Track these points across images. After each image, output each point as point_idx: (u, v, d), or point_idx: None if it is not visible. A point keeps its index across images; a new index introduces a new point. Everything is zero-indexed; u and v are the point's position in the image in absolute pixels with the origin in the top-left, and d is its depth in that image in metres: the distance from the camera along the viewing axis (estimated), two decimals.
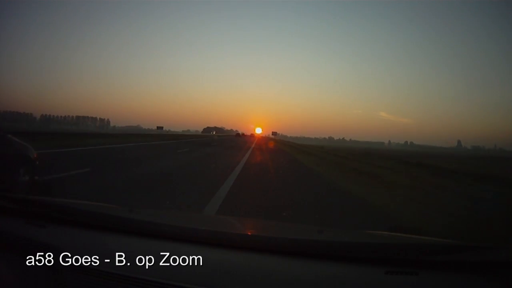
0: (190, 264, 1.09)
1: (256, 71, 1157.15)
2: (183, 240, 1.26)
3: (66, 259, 1.08)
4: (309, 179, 9.95)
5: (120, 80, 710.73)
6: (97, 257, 1.11)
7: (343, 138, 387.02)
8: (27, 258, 1.11)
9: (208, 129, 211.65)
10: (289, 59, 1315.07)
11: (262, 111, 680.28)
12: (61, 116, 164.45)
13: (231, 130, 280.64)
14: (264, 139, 75.11)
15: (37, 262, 1.10)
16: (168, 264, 1.09)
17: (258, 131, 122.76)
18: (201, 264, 1.10)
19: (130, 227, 1.34)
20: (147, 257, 1.12)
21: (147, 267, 1.06)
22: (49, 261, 1.09)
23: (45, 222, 1.36)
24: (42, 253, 1.12)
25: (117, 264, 1.07)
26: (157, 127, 71.77)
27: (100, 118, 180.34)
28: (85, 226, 1.35)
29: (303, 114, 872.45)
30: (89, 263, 1.07)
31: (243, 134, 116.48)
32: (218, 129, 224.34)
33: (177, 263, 1.11)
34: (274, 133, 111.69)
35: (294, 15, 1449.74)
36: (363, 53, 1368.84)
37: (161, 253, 1.16)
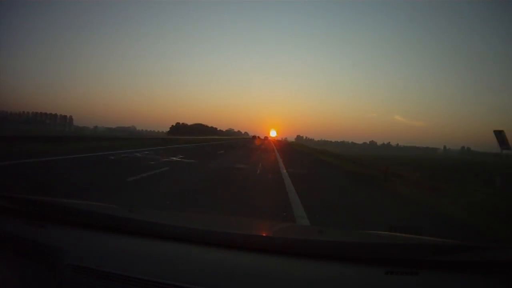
0: (190, 264, 1.10)
1: (270, 75, 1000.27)
2: (183, 240, 1.25)
3: (66, 259, 1.08)
4: None
5: (118, 79, 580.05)
6: (97, 257, 1.12)
7: (389, 143, 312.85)
8: (27, 258, 1.13)
9: (178, 128, 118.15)
10: (305, 63, 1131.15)
11: (279, 114, 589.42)
12: (14, 113, 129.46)
13: (239, 131, 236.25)
14: (280, 146, 51.69)
15: (37, 262, 1.10)
16: (168, 264, 1.10)
17: (273, 134, 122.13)
18: (201, 264, 1.10)
19: (130, 227, 1.33)
20: (147, 257, 1.13)
21: (147, 267, 1.06)
22: (49, 261, 1.09)
23: (45, 222, 1.36)
24: (42, 253, 1.13)
25: (117, 264, 1.08)
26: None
27: (60, 115, 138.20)
28: (85, 226, 1.35)
29: (335, 118, 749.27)
30: (89, 263, 1.06)
31: (258, 137, 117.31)
32: (212, 130, 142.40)
33: (177, 263, 1.12)
34: None
35: (310, 19, 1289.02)
36: (380, 55, 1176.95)
37: (162, 253, 1.17)
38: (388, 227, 1.67)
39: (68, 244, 1.18)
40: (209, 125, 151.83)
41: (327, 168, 16.85)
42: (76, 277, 1.02)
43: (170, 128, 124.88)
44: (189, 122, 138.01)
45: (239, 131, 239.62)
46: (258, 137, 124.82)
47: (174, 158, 13.74)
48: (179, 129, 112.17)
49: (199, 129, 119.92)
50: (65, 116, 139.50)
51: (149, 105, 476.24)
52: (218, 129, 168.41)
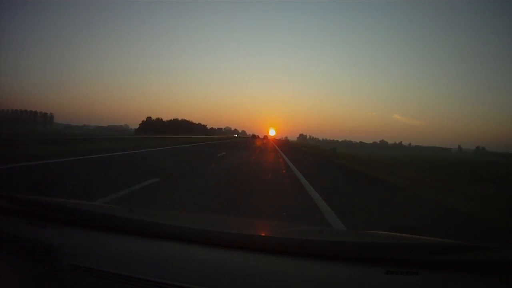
0: (190, 264, 1.11)
1: (269, 73, 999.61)
2: (183, 240, 1.26)
3: (66, 259, 1.09)
4: None
5: (104, 74, 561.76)
6: (97, 257, 1.12)
7: (401, 143, 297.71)
8: (27, 258, 1.13)
9: (148, 124, 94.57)
10: (305, 61, 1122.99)
11: (279, 113, 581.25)
12: None
13: (235, 130, 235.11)
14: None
15: (37, 262, 1.11)
16: (168, 264, 1.11)
17: (272, 133, 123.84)
18: (201, 264, 1.10)
19: (130, 227, 1.33)
20: (147, 257, 1.14)
21: (147, 267, 1.06)
22: (49, 261, 1.10)
23: (45, 222, 1.37)
24: (42, 253, 1.13)
25: (117, 264, 1.08)
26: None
27: (40, 113, 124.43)
28: (85, 226, 1.36)
29: (338, 117, 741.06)
30: (89, 263, 1.07)
31: (257, 137, 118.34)
32: (201, 128, 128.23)
33: (177, 263, 1.12)
34: None
35: (310, 17, 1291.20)
36: (382, 54, 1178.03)
37: (162, 253, 1.18)
38: (388, 227, 1.65)
39: (68, 244, 1.19)
40: (199, 122, 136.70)
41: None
42: (76, 277, 1.03)
43: (140, 124, 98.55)
44: (183, 118, 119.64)
45: (236, 129, 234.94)
46: (258, 136, 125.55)
47: None
48: (152, 125, 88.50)
49: (180, 126, 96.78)
50: (45, 114, 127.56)
51: (142, 103, 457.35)
52: (209, 127, 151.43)
